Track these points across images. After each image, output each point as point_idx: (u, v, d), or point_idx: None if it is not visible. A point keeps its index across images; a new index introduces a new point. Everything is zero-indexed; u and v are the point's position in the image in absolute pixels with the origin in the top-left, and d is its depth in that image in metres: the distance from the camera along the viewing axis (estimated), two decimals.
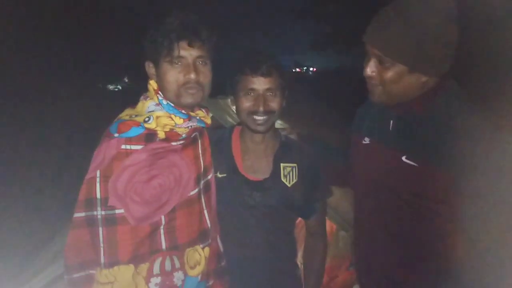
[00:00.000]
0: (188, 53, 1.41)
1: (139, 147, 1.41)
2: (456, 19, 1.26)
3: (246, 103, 1.60)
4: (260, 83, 1.57)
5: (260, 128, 1.62)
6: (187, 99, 1.44)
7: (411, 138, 1.38)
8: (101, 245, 1.36)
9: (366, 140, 1.58)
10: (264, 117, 1.59)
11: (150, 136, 1.44)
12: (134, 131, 1.42)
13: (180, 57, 1.40)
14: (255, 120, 1.60)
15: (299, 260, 1.89)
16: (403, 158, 1.36)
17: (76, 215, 1.38)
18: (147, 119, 1.44)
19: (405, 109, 1.40)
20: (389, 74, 1.32)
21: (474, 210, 1.21)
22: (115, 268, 1.36)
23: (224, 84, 1.70)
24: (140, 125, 1.43)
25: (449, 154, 1.24)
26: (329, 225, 2.61)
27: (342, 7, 14.26)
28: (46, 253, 2.19)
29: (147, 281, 1.39)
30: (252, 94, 1.59)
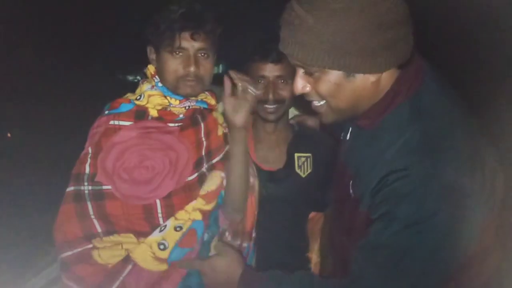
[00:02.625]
0: (190, 44, 1.37)
1: (128, 123, 1.40)
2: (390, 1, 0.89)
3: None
4: (270, 70, 1.53)
5: (271, 117, 1.58)
6: (185, 90, 1.40)
7: (361, 157, 1.06)
8: (92, 217, 1.32)
9: (343, 136, 1.27)
10: (275, 106, 1.55)
11: (140, 113, 1.42)
12: (124, 107, 1.43)
13: (181, 48, 1.36)
14: (265, 108, 1.57)
15: (314, 253, 1.83)
16: (350, 183, 1.07)
17: (67, 189, 1.38)
18: (138, 97, 1.45)
19: (363, 121, 1.06)
20: (324, 85, 0.96)
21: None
22: (116, 235, 1.32)
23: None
24: (131, 102, 1.44)
25: (373, 188, 0.95)
26: None
27: None
28: (47, 255, 2.22)
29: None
30: (262, 81, 1.55)
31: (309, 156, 1.67)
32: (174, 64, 1.38)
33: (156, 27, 1.37)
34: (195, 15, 1.37)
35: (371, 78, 0.95)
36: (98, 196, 1.34)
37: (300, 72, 1.01)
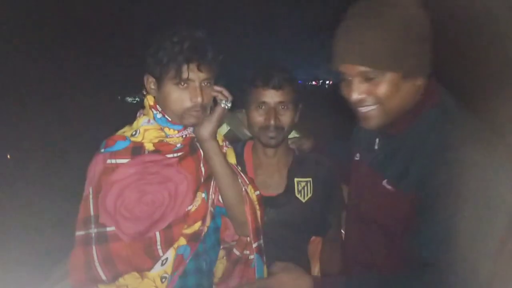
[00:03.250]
0: (196, 76, 1.36)
1: (124, 160, 1.38)
2: (426, 11, 1.13)
3: (258, 117, 1.58)
4: (271, 96, 1.55)
5: (272, 142, 1.59)
6: (190, 121, 1.39)
7: (393, 160, 1.22)
8: (96, 264, 1.32)
9: (357, 157, 1.46)
10: (276, 131, 1.56)
11: (136, 149, 1.40)
12: (119, 145, 1.41)
13: (188, 80, 1.35)
14: (266, 134, 1.58)
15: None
16: (384, 182, 1.21)
17: (77, 233, 1.37)
18: (134, 132, 1.43)
19: (393, 128, 1.23)
20: (384, 87, 1.13)
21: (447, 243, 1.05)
22: (120, 279, 1.32)
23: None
24: (126, 139, 1.42)
25: (422, 180, 1.10)
26: None
27: None
28: (63, 266, 2.21)
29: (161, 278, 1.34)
30: (263, 107, 1.57)
31: (309, 181, 1.67)
32: (180, 96, 1.36)
33: (158, 58, 1.35)
34: (201, 46, 1.36)
35: (418, 81, 1.16)
36: (103, 239, 1.33)
37: (356, 81, 1.16)
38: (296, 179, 1.66)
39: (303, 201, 1.64)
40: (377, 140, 1.32)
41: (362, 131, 1.46)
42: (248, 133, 2.07)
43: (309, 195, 1.65)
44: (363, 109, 1.20)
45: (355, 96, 1.17)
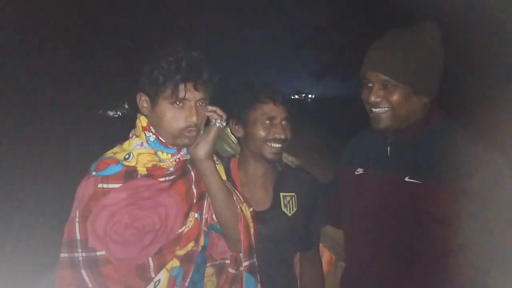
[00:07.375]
0: (192, 95, 1.34)
1: (117, 185, 1.34)
2: (442, 48, 1.41)
3: (264, 132, 1.59)
4: (280, 111, 1.60)
5: (276, 157, 1.62)
6: (184, 141, 1.37)
7: (412, 160, 1.41)
8: (89, 285, 1.28)
9: (359, 171, 1.56)
10: (282, 145, 1.60)
11: (129, 173, 1.36)
12: (112, 169, 1.36)
13: (184, 99, 1.34)
14: (272, 148, 1.60)
15: None
16: (406, 178, 1.39)
17: (61, 255, 1.33)
18: (127, 156, 1.38)
19: (404, 135, 1.45)
20: (396, 96, 1.38)
21: (473, 224, 1.26)
22: None
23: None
24: (119, 163, 1.37)
25: (448, 170, 1.31)
26: (328, 255, 2.57)
27: (342, 36, 14.53)
28: (44, 281, 2.16)
29: None
30: (270, 122, 1.59)
31: (293, 195, 1.68)
32: (175, 115, 1.34)
33: (153, 77, 1.33)
34: (198, 65, 1.35)
35: (425, 99, 1.42)
36: (93, 263, 1.29)
37: (376, 87, 1.41)
38: (281, 194, 1.67)
39: (289, 215, 1.65)
40: (388, 149, 1.50)
41: (360, 150, 1.60)
42: (228, 149, 2.05)
43: (295, 210, 1.66)
44: (376, 110, 1.43)
45: (372, 98, 1.41)
